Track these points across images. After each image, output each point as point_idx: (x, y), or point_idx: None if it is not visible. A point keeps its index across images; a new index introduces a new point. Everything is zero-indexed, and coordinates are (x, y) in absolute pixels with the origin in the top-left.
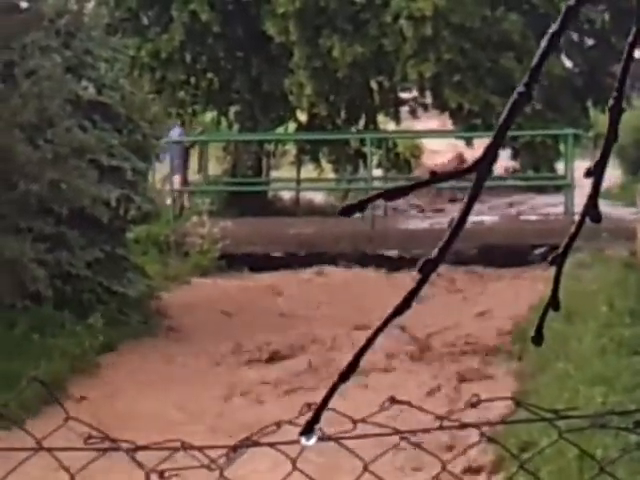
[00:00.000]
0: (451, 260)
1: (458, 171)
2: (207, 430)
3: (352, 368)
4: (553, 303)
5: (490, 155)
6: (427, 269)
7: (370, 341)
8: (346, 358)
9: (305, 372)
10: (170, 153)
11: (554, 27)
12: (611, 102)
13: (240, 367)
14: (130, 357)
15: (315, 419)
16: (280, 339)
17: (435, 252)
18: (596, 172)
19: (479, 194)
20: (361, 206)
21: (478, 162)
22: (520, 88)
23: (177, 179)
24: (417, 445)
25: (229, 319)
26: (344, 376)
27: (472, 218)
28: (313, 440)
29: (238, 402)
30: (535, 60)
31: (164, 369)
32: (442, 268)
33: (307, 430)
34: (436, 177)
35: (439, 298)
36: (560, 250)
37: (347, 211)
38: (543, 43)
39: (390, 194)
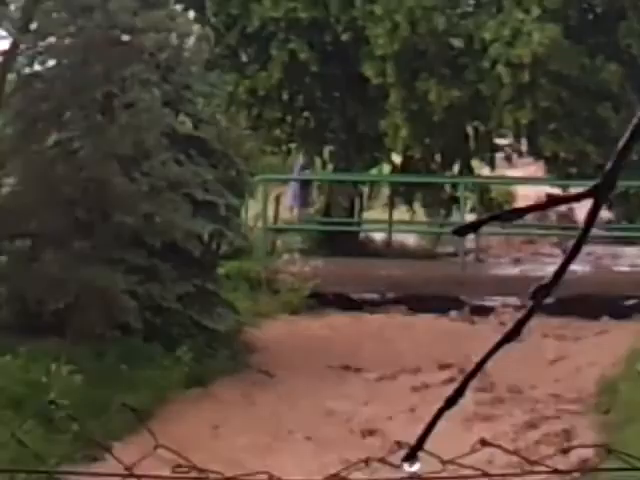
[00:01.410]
0: (543, 308)
1: (576, 195)
2: (293, 466)
3: (459, 393)
4: None
5: (610, 179)
6: (540, 295)
7: (479, 367)
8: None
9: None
10: (292, 186)
11: None
12: None
13: (324, 409)
14: (217, 392)
15: (419, 445)
16: (366, 383)
17: (548, 278)
18: None
19: (595, 219)
20: (475, 227)
21: (597, 186)
22: None
23: (296, 212)
24: None
25: (316, 358)
26: (451, 401)
27: None
28: (416, 467)
29: (320, 443)
30: None
31: (249, 406)
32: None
33: (410, 456)
34: (553, 200)
35: (530, 345)
36: None
37: (461, 231)
38: None
39: (506, 216)
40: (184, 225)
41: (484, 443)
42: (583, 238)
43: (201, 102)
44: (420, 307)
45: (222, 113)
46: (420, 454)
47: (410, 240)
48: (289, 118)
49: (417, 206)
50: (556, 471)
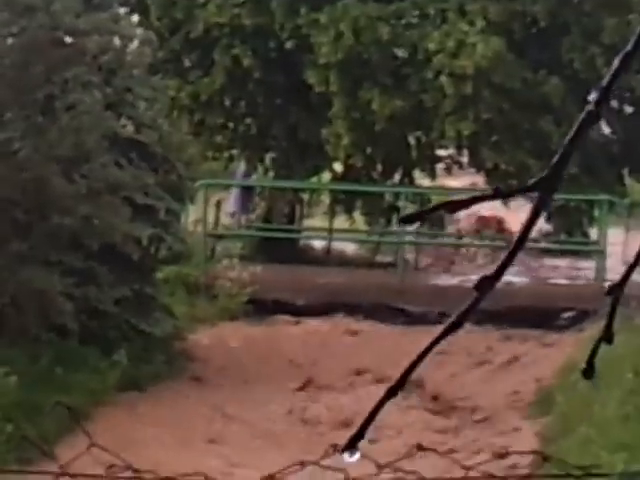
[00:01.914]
0: (478, 319)
1: (522, 188)
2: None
3: (401, 384)
4: (606, 336)
5: (554, 174)
6: (484, 287)
7: (421, 358)
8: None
9: (321, 420)
10: (233, 192)
11: (627, 47)
12: None
13: (255, 415)
14: (152, 396)
15: (359, 435)
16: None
17: (493, 270)
18: None
19: (542, 211)
20: (421, 216)
21: (544, 179)
22: (589, 107)
23: (236, 218)
24: None
25: (251, 365)
26: (392, 391)
27: (502, 278)
28: (356, 457)
29: (254, 447)
30: (606, 80)
31: (183, 411)
32: (469, 327)
33: (350, 446)
34: (498, 192)
35: (465, 356)
36: (618, 281)
37: (407, 220)
38: (615, 63)
39: (452, 205)
40: (123, 228)
41: (420, 448)
42: (527, 232)
43: (143, 106)
44: (358, 315)
45: (164, 117)
46: (360, 445)
47: (349, 248)
48: (231, 124)
49: (357, 215)
50: (491, 477)
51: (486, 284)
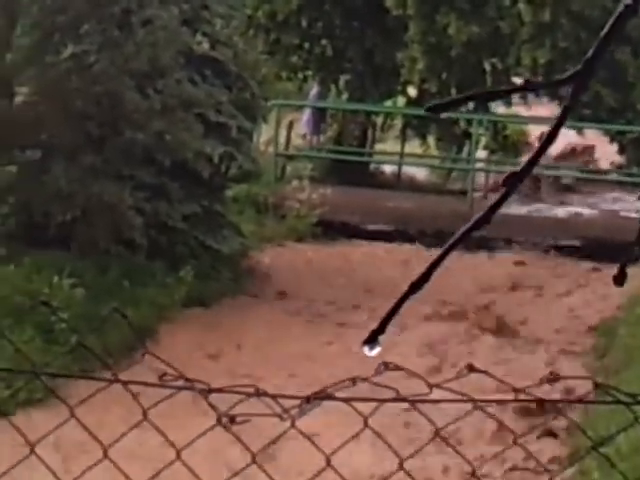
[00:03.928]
0: (546, 249)
1: (556, 81)
2: (286, 384)
3: (424, 279)
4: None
5: (588, 68)
6: (511, 183)
7: (444, 255)
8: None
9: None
10: (306, 113)
11: None
12: None
13: (319, 330)
14: (217, 312)
15: (380, 329)
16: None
17: (522, 166)
18: None
19: (573, 107)
20: (448, 106)
21: (575, 74)
22: (627, 1)
23: (308, 139)
24: (491, 416)
25: (315, 286)
26: (415, 287)
27: (571, 209)
28: (376, 350)
29: (313, 362)
30: None
31: (245, 328)
32: (539, 256)
33: (371, 340)
34: (531, 85)
35: (534, 285)
36: None
37: (434, 109)
38: None
39: (484, 96)
40: (195, 145)
41: (471, 369)
42: (557, 129)
43: (219, 23)
44: (425, 241)
45: (240, 36)
46: (382, 340)
47: (420, 174)
48: (307, 45)
49: (430, 140)
50: (540, 400)
51: (513, 180)
